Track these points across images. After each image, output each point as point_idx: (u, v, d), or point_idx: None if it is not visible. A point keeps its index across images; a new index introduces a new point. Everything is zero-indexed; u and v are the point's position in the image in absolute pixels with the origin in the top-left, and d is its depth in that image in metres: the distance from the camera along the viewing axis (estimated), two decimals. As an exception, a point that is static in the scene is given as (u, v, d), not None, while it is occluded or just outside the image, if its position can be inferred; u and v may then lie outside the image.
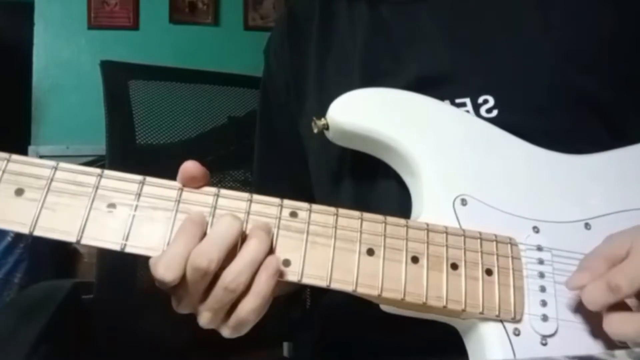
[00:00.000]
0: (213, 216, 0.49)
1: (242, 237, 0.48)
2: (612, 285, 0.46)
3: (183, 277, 0.46)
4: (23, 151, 2.62)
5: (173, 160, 1.34)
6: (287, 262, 0.49)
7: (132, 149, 1.22)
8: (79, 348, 1.04)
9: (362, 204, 0.55)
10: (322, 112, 0.60)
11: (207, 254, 0.46)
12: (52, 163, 0.49)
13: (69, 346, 0.99)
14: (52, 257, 1.81)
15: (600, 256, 0.50)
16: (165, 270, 0.46)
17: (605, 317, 0.48)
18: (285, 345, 1.22)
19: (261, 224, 0.49)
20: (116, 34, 2.87)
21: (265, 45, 0.86)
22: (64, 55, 2.83)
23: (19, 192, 0.47)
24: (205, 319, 0.49)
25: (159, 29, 2.92)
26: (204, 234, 0.48)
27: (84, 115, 2.58)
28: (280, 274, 0.48)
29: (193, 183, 0.50)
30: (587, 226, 0.56)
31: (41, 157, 2.54)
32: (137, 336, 1.12)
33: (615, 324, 0.47)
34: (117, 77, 1.24)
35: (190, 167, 0.50)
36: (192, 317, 0.51)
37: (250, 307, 0.48)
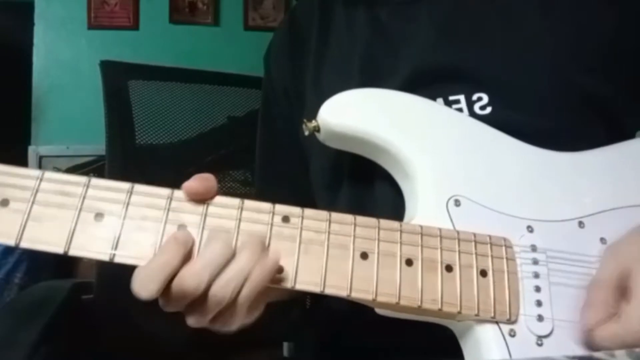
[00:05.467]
0: (204, 223, 0.49)
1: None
2: (625, 340, 0.46)
3: (167, 288, 0.46)
4: (23, 151, 2.62)
5: (173, 160, 1.34)
6: (280, 269, 0.48)
7: (132, 149, 1.22)
8: (79, 348, 1.04)
9: (360, 208, 0.55)
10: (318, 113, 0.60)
11: (197, 275, 0.45)
12: (37, 173, 0.48)
13: (69, 346, 0.99)
14: (52, 257, 1.80)
15: (606, 288, 0.50)
16: (139, 288, 0.45)
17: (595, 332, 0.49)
18: (285, 345, 1.22)
19: (255, 237, 0.48)
20: (116, 34, 2.87)
21: (265, 52, 0.87)
22: (64, 55, 2.82)
23: (4, 203, 0.46)
24: (191, 322, 0.48)
25: (159, 29, 2.91)
26: (188, 253, 0.47)
27: (84, 115, 2.58)
28: (275, 280, 0.48)
29: (200, 198, 0.49)
30: (581, 224, 0.56)
31: (41, 157, 2.55)
32: (137, 336, 1.12)
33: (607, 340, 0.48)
34: (117, 77, 1.24)
35: (191, 186, 0.49)
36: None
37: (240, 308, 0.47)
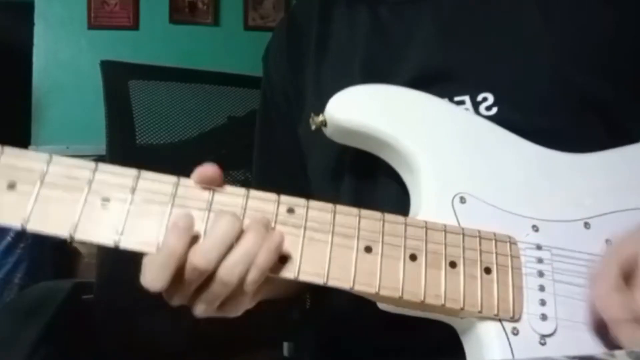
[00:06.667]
0: (209, 212, 0.49)
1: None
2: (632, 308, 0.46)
3: (176, 277, 0.46)
4: (23, 151, 2.62)
5: (173, 160, 1.34)
6: (283, 259, 0.48)
7: (132, 149, 1.22)
8: (79, 348, 1.04)
9: (362, 203, 0.55)
10: (320, 111, 0.60)
11: (207, 253, 0.46)
12: (45, 156, 0.48)
13: (69, 346, 0.99)
14: (52, 257, 1.80)
15: (610, 267, 0.49)
16: (150, 282, 0.46)
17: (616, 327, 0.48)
18: (285, 345, 1.22)
19: (260, 218, 0.48)
20: (116, 34, 2.88)
21: (264, 51, 0.86)
22: (64, 55, 2.83)
23: (12, 185, 0.46)
24: (199, 310, 0.49)
25: (159, 29, 2.92)
26: (193, 238, 0.47)
27: (84, 115, 2.59)
28: (278, 269, 0.48)
29: (208, 181, 0.49)
30: (587, 225, 0.56)
31: (41, 157, 2.54)
32: (137, 336, 1.12)
33: (624, 336, 0.47)
34: (117, 77, 1.24)
35: (208, 170, 0.49)
36: (192, 318, 0.50)
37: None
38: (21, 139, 2.69)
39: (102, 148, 1.18)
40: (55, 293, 1.05)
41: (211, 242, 0.46)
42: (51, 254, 1.80)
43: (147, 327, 1.10)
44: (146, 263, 0.47)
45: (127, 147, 1.22)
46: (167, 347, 1.11)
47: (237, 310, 0.51)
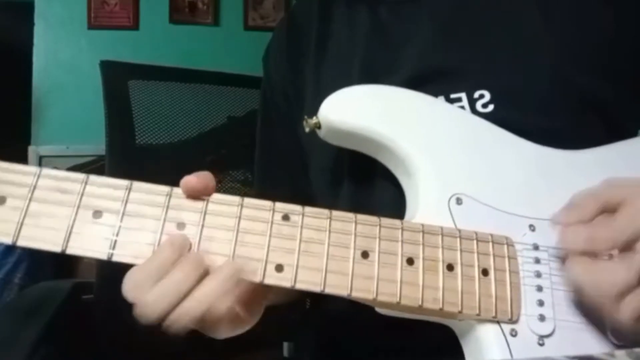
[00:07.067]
0: (204, 221, 0.48)
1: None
2: (593, 237, 0.48)
3: None
4: (23, 151, 2.63)
5: (173, 160, 1.33)
6: (279, 268, 0.48)
7: (131, 149, 1.22)
8: (78, 348, 1.04)
9: (360, 207, 0.55)
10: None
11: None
12: (34, 169, 0.47)
13: (69, 346, 0.99)
14: (52, 257, 1.80)
15: (594, 198, 0.50)
16: (132, 290, 0.46)
17: (570, 258, 0.49)
18: (285, 345, 1.22)
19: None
20: (116, 34, 2.88)
21: (264, 52, 0.86)
22: (64, 55, 2.83)
23: (1, 200, 0.46)
24: None
25: (159, 29, 2.92)
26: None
27: (84, 115, 2.59)
28: (272, 278, 0.48)
29: (197, 195, 0.49)
30: (583, 223, 0.55)
31: (41, 157, 2.55)
32: (137, 337, 1.12)
33: (575, 268, 0.49)
34: (116, 77, 1.24)
35: (190, 180, 0.49)
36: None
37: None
38: (21, 139, 2.70)
39: (101, 148, 1.18)
40: (55, 293, 1.05)
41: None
42: (51, 254, 1.80)
43: (147, 328, 1.10)
44: (132, 273, 0.47)
45: (126, 147, 1.22)
46: (167, 347, 1.11)
47: (215, 334, 0.51)
